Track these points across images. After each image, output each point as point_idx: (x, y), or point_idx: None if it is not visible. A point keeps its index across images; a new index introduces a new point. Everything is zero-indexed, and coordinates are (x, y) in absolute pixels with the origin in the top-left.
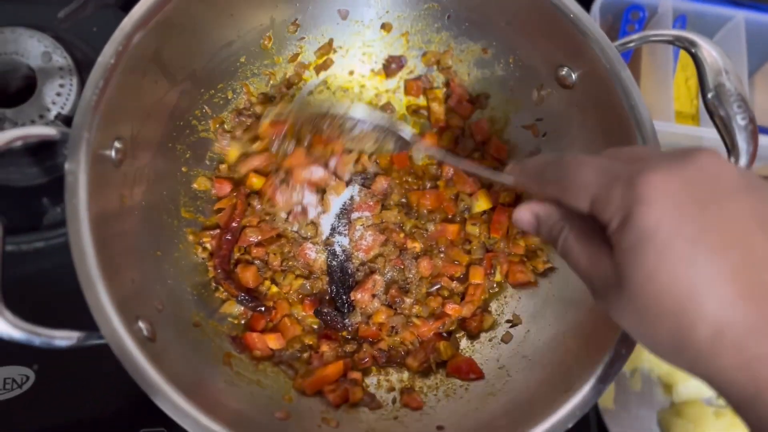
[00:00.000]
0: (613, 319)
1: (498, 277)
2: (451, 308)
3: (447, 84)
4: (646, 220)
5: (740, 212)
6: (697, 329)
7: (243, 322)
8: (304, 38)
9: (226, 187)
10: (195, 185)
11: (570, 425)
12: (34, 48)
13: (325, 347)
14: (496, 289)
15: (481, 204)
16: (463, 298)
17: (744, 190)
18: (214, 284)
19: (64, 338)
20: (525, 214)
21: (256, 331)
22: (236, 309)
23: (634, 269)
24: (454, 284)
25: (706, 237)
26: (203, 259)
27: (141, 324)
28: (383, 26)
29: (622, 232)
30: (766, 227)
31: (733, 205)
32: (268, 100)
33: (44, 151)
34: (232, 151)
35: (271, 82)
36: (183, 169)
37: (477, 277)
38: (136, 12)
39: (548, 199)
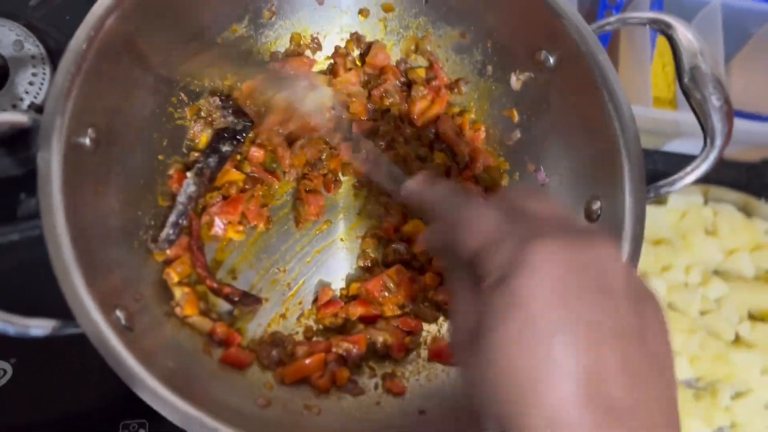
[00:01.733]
0: (457, 364)
1: None
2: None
3: (430, 67)
4: (522, 288)
5: (613, 317)
6: (532, 414)
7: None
8: (280, 24)
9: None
10: (172, 172)
11: None
12: (6, 36)
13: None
14: None
15: None
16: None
17: (626, 296)
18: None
19: (39, 327)
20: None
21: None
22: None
23: (495, 331)
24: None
25: (571, 329)
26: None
27: (119, 313)
28: (361, 11)
29: (496, 290)
30: (630, 342)
31: (608, 306)
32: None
33: (18, 142)
34: (204, 137)
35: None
36: (159, 157)
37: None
38: None
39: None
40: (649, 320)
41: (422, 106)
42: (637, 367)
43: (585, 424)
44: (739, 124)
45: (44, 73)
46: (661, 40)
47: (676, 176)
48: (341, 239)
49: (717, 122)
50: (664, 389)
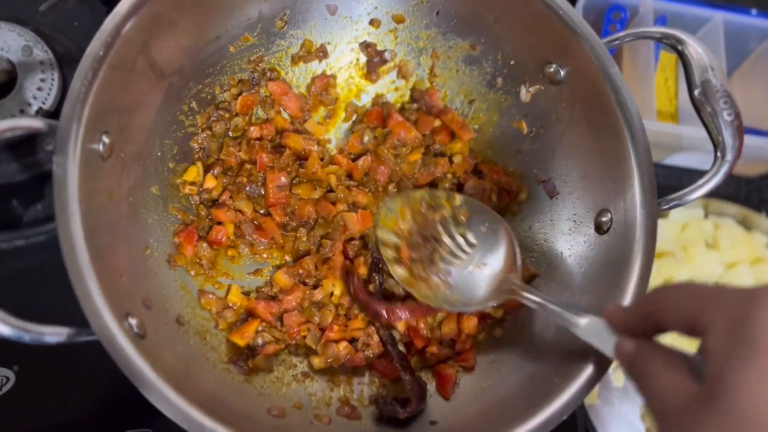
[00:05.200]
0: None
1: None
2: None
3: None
4: (763, 321)
5: None
6: None
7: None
8: (292, 33)
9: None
10: (184, 177)
11: (565, 417)
12: (15, 42)
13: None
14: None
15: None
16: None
17: None
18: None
19: (54, 334)
20: (628, 343)
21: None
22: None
23: (734, 376)
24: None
25: None
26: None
27: (131, 320)
28: (372, 22)
29: (730, 332)
30: None
31: None
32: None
33: (23, 148)
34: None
35: (256, 76)
36: (170, 164)
37: (470, 327)
38: (125, 3)
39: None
40: None
41: None
42: None
43: None
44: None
45: (52, 79)
46: (663, 56)
47: (687, 189)
48: None
49: (728, 137)
50: None
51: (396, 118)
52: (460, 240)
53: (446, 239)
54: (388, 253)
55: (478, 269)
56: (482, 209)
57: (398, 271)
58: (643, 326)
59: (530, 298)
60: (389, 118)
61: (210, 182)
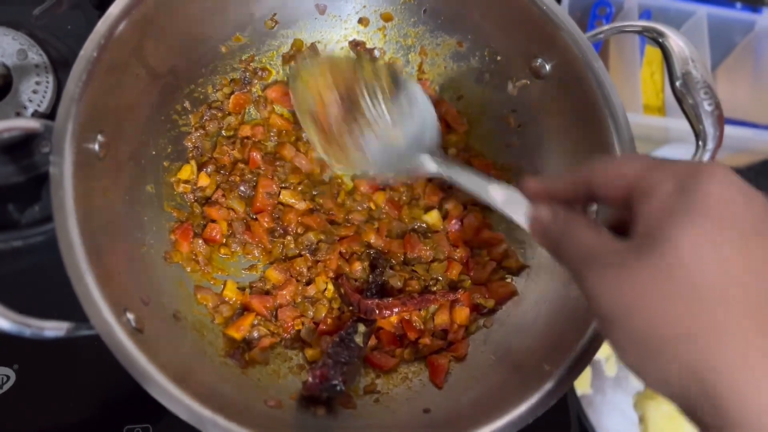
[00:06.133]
0: (606, 299)
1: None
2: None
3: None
4: (712, 189)
5: None
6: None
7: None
8: (282, 33)
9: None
10: (178, 176)
11: (553, 402)
12: (9, 46)
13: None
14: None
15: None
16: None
17: None
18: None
19: (53, 329)
20: (543, 211)
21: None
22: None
23: (677, 231)
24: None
25: None
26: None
27: (129, 315)
28: (361, 21)
29: (678, 194)
30: None
31: None
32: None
33: (20, 150)
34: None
35: (248, 75)
36: (164, 163)
37: (462, 318)
38: (117, 6)
39: (560, 195)
40: None
41: None
42: None
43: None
44: (725, 129)
45: (47, 82)
46: (649, 50)
47: None
48: None
49: (709, 126)
50: None
51: None
52: (381, 108)
53: (366, 105)
54: (306, 119)
55: (395, 140)
56: (407, 83)
57: (313, 137)
58: (571, 194)
59: (441, 172)
60: None
61: (203, 180)
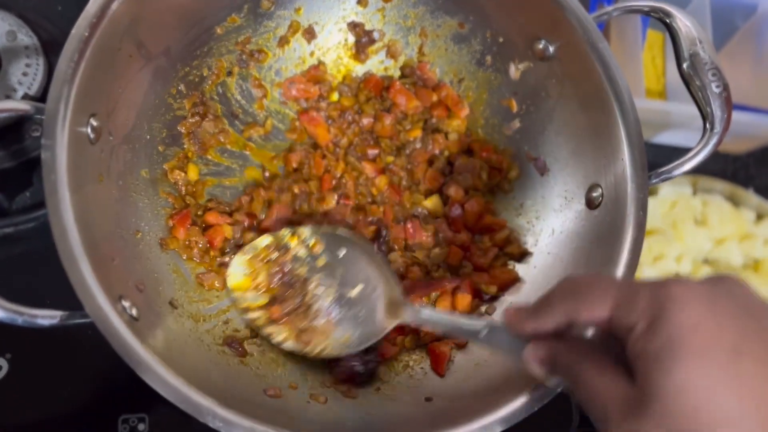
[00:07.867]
0: None
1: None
2: None
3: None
4: (680, 320)
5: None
6: None
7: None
8: (279, 14)
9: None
10: (188, 177)
11: (558, 391)
12: None
13: None
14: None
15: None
16: None
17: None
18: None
19: (46, 317)
20: (540, 351)
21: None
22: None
23: (665, 379)
24: None
25: (749, 345)
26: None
27: (124, 303)
28: (359, 2)
29: (651, 334)
30: None
31: (759, 325)
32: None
33: (9, 135)
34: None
35: (244, 58)
36: (159, 148)
37: (464, 305)
38: None
39: (549, 332)
40: None
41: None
42: None
43: None
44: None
45: (38, 64)
46: (650, 34)
47: (677, 162)
48: None
49: (717, 109)
50: None
51: (397, 85)
52: (322, 274)
53: (308, 276)
54: (257, 318)
55: (356, 297)
56: (329, 234)
57: (277, 337)
58: (558, 330)
59: (421, 317)
60: (391, 86)
61: (193, 173)
